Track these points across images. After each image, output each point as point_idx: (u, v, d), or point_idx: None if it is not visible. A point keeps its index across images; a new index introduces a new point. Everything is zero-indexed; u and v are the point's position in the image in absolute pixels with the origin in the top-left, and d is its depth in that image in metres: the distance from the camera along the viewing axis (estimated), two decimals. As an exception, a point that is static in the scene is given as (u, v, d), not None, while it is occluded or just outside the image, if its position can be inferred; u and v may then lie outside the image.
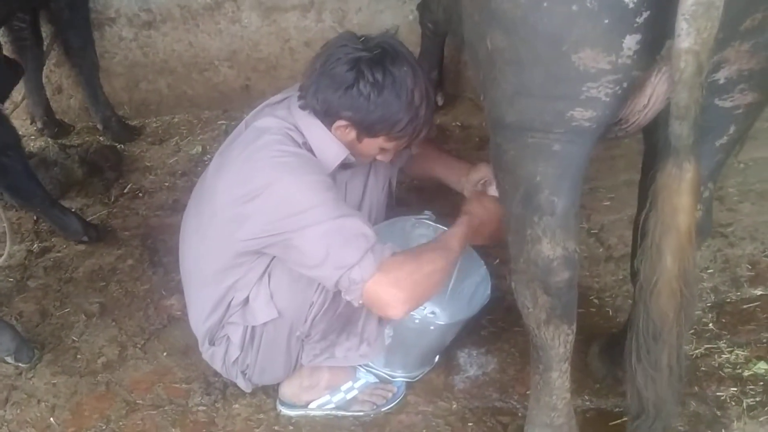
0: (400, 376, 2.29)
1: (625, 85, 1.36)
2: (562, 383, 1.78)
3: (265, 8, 3.53)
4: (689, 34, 1.20)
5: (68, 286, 2.84)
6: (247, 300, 2.01)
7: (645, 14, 1.25)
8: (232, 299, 2.02)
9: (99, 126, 3.61)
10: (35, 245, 3.05)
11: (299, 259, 1.84)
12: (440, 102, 3.37)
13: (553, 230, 1.56)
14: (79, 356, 2.54)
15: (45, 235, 3.10)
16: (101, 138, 3.65)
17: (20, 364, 2.48)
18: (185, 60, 3.68)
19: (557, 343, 1.70)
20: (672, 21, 1.21)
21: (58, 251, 3.02)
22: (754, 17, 1.29)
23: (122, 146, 3.61)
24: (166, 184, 3.37)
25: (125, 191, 3.34)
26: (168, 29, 3.59)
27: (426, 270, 1.82)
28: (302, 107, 1.93)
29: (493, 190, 2.08)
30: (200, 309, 2.11)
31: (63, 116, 3.72)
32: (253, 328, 2.03)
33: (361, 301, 1.81)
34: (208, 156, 3.49)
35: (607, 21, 1.26)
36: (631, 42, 1.29)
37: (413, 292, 1.80)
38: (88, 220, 3.09)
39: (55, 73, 3.65)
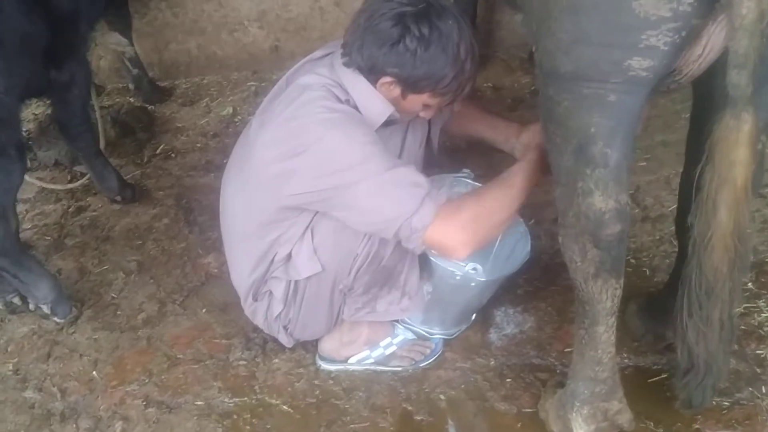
0: (437, 334, 2.31)
1: (683, 33, 1.34)
2: (608, 338, 1.78)
3: (295, -33, 3.51)
4: None
5: (105, 245, 2.88)
6: (290, 255, 2.02)
7: (708, -41, 1.24)
8: (275, 255, 2.04)
9: (130, 86, 3.62)
10: (71, 204, 3.08)
11: (355, 216, 1.86)
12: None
13: (605, 182, 1.55)
14: (119, 312, 2.58)
15: (80, 195, 3.14)
16: (131, 99, 3.67)
17: (56, 319, 2.52)
18: (215, 20, 3.67)
19: (605, 297, 1.70)
20: (735, -33, 1.20)
21: (94, 210, 3.06)
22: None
23: (153, 107, 3.63)
24: (198, 144, 3.38)
25: (158, 152, 3.36)
26: (198, -12, 3.59)
27: (487, 208, 1.84)
28: (347, 64, 1.92)
29: None
30: (243, 265, 2.13)
31: (93, 77, 3.71)
32: (296, 282, 2.05)
33: (423, 248, 1.84)
34: (239, 117, 3.50)
35: (670, -34, 1.24)
36: (692, -13, 1.27)
37: (475, 232, 1.82)
38: (122, 180, 3.11)
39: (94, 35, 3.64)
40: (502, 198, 1.88)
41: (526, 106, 3.21)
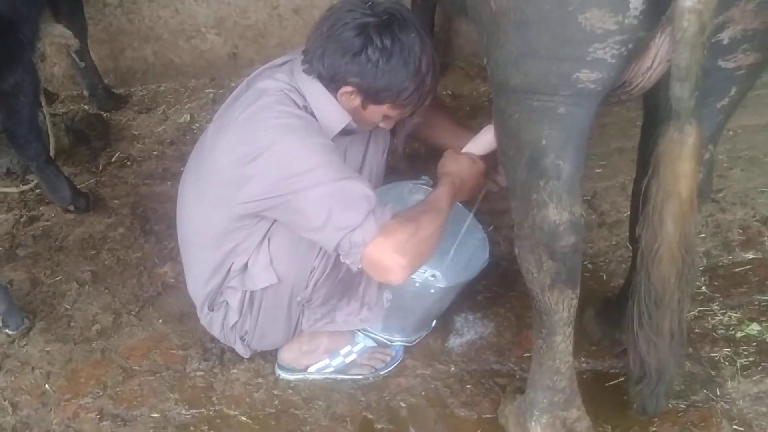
0: (398, 341, 2.31)
1: (630, 46, 1.35)
2: (566, 347, 1.79)
3: (253, -27, 3.48)
4: None
5: (59, 255, 2.82)
6: (246, 265, 2.01)
7: (652, -27, 1.25)
8: (231, 264, 2.02)
9: (85, 93, 3.56)
10: (23, 214, 3.02)
11: (300, 222, 1.83)
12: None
13: (559, 194, 1.56)
14: (72, 324, 2.53)
15: (32, 204, 3.07)
16: (86, 106, 3.60)
17: (7, 331, 2.46)
18: (171, 27, 3.62)
19: (561, 307, 1.71)
20: (677, -21, 1.22)
21: (47, 220, 2.99)
22: (760, -25, 1.30)
23: (108, 115, 3.56)
24: (155, 152, 3.34)
25: (113, 160, 3.30)
26: (154, -5, 3.54)
27: (424, 233, 1.81)
28: (307, 71, 1.91)
29: (467, 147, 2.07)
30: (199, 274, 2.11)
31: (47, 84, 3.63)
32: (252, 293, 2.03)
33: (360, 266, 1.80)
34: (196, 125, 3.46)
35: (614, -20, 1.25)
36: (637, 2, 1.28)
37: (413, 256, 1.79)
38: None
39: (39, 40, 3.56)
40: (435, 223, 1.86)
41: (485, 113, 3.23)
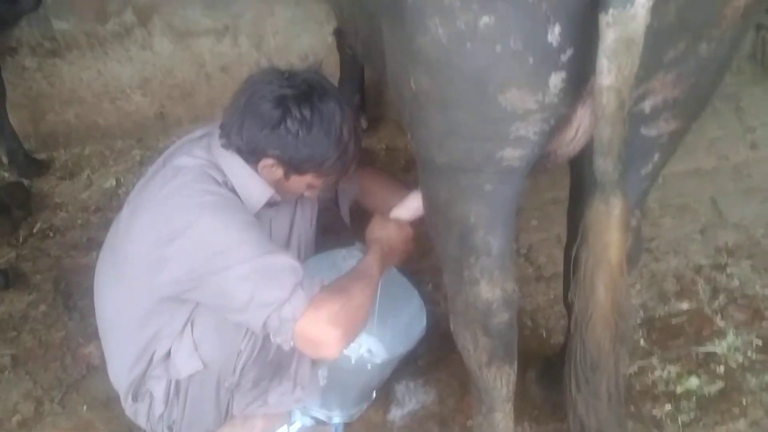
0: (337, 417, 2.21)
1: (552, 122, 1.34)
2: (507, 424, 1.75)
3: (177, 33, 3.40)
4: (610, 72, 1.19)
5: (-24, 339, 2.65)
6: (169, 353, 1.91)
7: (569, 52, 1.23)
8: (153, 352, 1.92)
9: (4, 160, 3.40)
10: (-64, 295, 2.85)
11: (224, 303, 1.75)
12: (364, 125, 3.32)
13: (490, 271, 1.53)
14: (-9, 416, 2.37)
15: (-53, 283, 2.89)
16: (6, 174, 3.44)
17: None
18: (94, 89, 3.50)
19: (500, 384, 1.67)
20: (595, 58, 1.19)
21: (-37, 300, 2.83)
22: (677, 47, 1.29)
23: (29, 182, 3.40)
24: (79, 221, 3.20)
25: (35, 231, 3.15)
26: (74, 57, 3.41)
27: (357, 301, 1.75)
28: (225, 146, 1.85)
29: (394, 212, 2.04)
30: (120, 363, 1.99)
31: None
32: (178, 381, 1.93)
33: (292, 343, 1.72)
34: (123, 189, 3.34)
35: (531, 60, 1.22)
36: (556, 80, 1.26)
37: (347, 327, 1.72)
38: (-5, 264, 2.90)
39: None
40: (366, 291, 1.80)
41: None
